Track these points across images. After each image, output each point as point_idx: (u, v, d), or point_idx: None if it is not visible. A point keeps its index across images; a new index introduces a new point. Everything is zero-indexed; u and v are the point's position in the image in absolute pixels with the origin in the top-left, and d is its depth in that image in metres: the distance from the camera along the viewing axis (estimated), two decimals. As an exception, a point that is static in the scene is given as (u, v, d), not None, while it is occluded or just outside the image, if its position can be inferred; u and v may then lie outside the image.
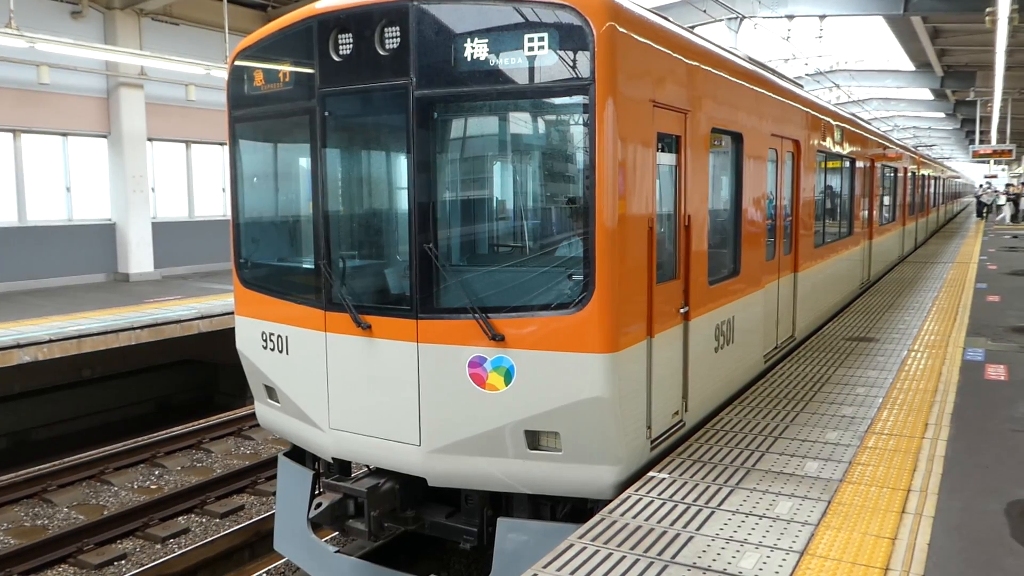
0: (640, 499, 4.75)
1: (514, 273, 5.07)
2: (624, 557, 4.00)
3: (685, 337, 5.75)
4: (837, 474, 5.15)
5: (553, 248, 5.23)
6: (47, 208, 16.41)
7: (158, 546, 8.32)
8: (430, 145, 5.08)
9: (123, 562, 7.98)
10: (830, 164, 11.12)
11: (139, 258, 17.54)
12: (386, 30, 5.07)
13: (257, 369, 6.23)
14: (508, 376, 4.86)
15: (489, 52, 4.74)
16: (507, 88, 4.78)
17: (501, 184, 5.75)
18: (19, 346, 10.22)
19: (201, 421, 12.15)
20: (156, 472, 10.42)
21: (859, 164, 12.90)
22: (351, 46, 5.26)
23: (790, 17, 22.41)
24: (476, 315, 4.86)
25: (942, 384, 7.44)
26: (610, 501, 4.81)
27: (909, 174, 20.46)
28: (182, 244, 18.77)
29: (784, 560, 3.95)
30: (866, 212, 13.91)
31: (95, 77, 16.89)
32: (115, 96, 17.11)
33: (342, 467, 6.07)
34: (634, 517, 4.49)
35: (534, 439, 4.96)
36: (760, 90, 7.38)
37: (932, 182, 29.45)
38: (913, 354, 8.73)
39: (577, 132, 4.80)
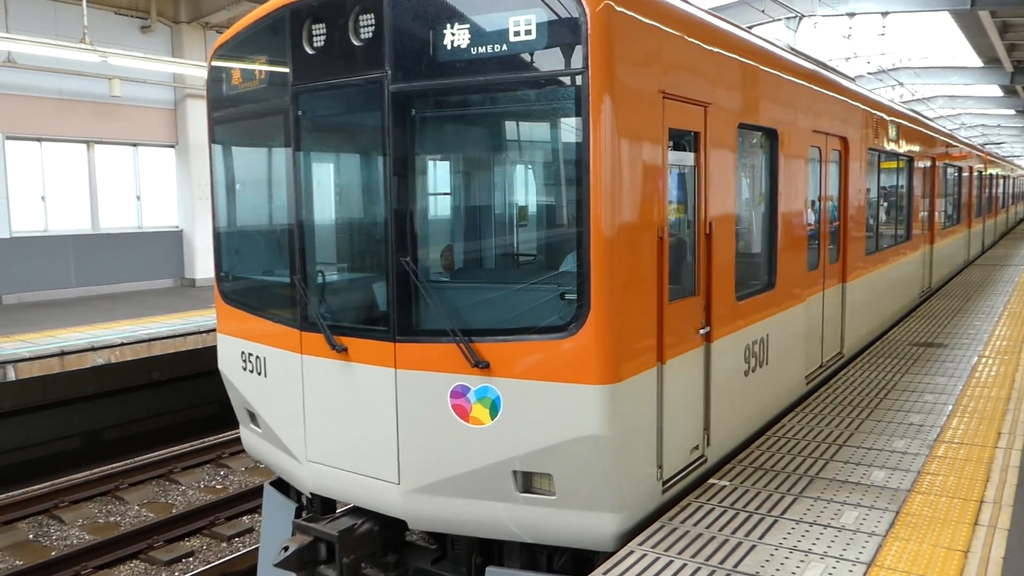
0: (700, 506, 4.71)
1: (501, 291, 4.56)
2: (685, 565, 3.98)
3: (707, 361, 5.09)
4: (905, 484, 5.03)
5: (544, 263, 4.72)
6: (119, 216, 17.07)
7: (224, 544, 8.57)
8: (407, 146, 4.55)
9: (191, 559, 8.24)
10: (885, 164, 10.52)
11: (205, 264, 18.08)
12: (360, 18, 4.55)
13: (238, 392, 5.78)
14: (494, 409, 4.27)
15: (471, 40, 4.20)
16: (491, 80, 4.24)
17: (487, 190, 5.26)
18: (93, 349, 10.65)
19: (264, 423, 12.44)
20: (221, 472, 10.73)
21: (918, 164, 12.33)
22: (324, 37, 4.74)
23: (851, 15, 21.92)
24: (457, 338, 4.25)
25: (1015, 392, 7.19)
26: (613, 553, 4.24)
27: (975, 173, 19.77)
28: (245, 250, 19.25)
29: (851, 571, 3.88)
30: (926, 214, 13.31)
31: (163, 89, 17.49)
32: (182, 107, 17.70)
33: (324, 502, 5.49)
34: (695, 524, 4.46)
35: (525, 481, 4.36)
36: (799, 81, 6.69)
37: (1001, 181, 28.41)
38: (984, 360, 8.45)
39: (569, 128, 4.18)
